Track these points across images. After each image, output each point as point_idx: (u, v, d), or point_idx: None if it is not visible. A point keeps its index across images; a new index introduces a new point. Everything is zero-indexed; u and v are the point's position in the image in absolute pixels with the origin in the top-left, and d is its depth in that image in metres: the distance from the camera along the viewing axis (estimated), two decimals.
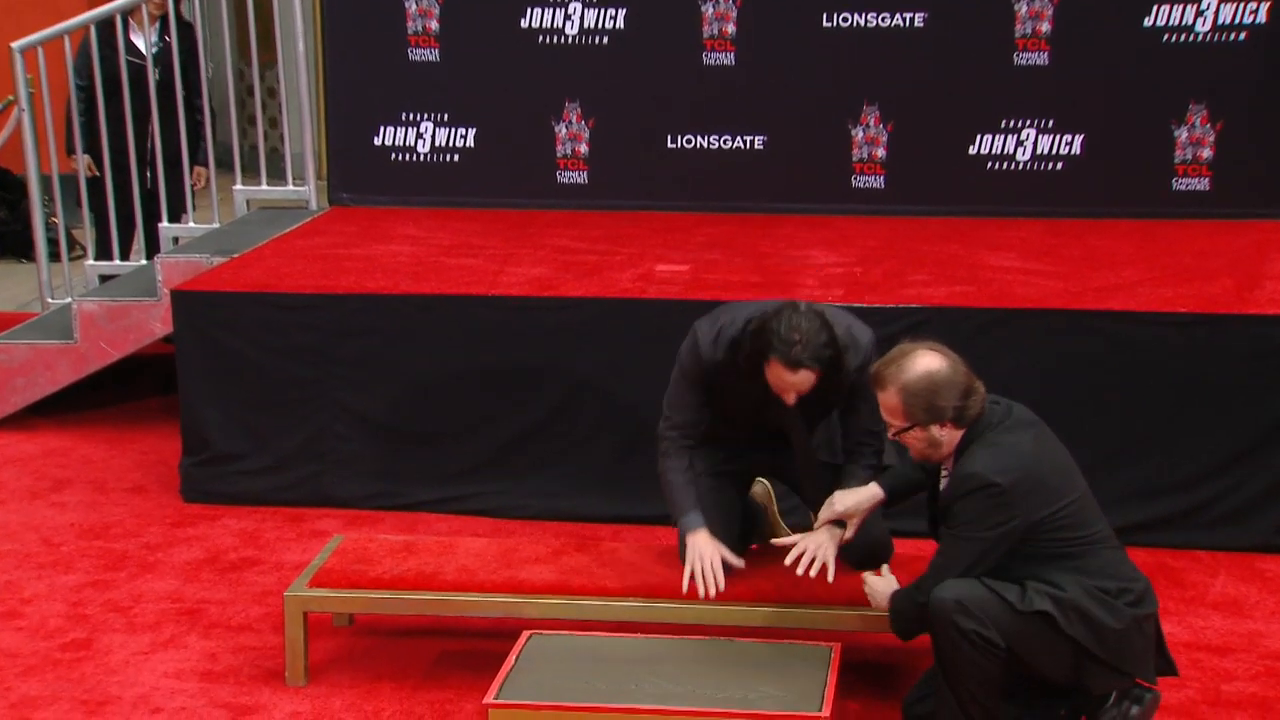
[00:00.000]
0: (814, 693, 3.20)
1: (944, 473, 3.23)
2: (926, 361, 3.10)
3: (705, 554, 3.41)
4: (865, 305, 4.58)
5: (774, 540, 3.47)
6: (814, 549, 3.38)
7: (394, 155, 5.99)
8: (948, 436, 3.11)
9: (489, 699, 3.23)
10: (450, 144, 5.96)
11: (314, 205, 6.06)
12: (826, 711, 3.12)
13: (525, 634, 3.50)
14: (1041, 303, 4.62)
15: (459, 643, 3.91)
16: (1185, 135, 5.62)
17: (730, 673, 3.31)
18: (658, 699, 3.20)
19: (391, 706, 3.58)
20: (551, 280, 4.96)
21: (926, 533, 3.34)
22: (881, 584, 3.32)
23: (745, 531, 3.65)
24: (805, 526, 3.65)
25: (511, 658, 3.39)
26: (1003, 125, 5.68)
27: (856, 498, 3.40)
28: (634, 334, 4.75)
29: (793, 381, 3.26)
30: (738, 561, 3.46)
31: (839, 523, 3.43)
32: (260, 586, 4.29)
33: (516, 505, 4.83)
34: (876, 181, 5.76)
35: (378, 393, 4.89)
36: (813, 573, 3.36)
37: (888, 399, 3.12)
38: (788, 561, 3.36)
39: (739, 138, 5.80)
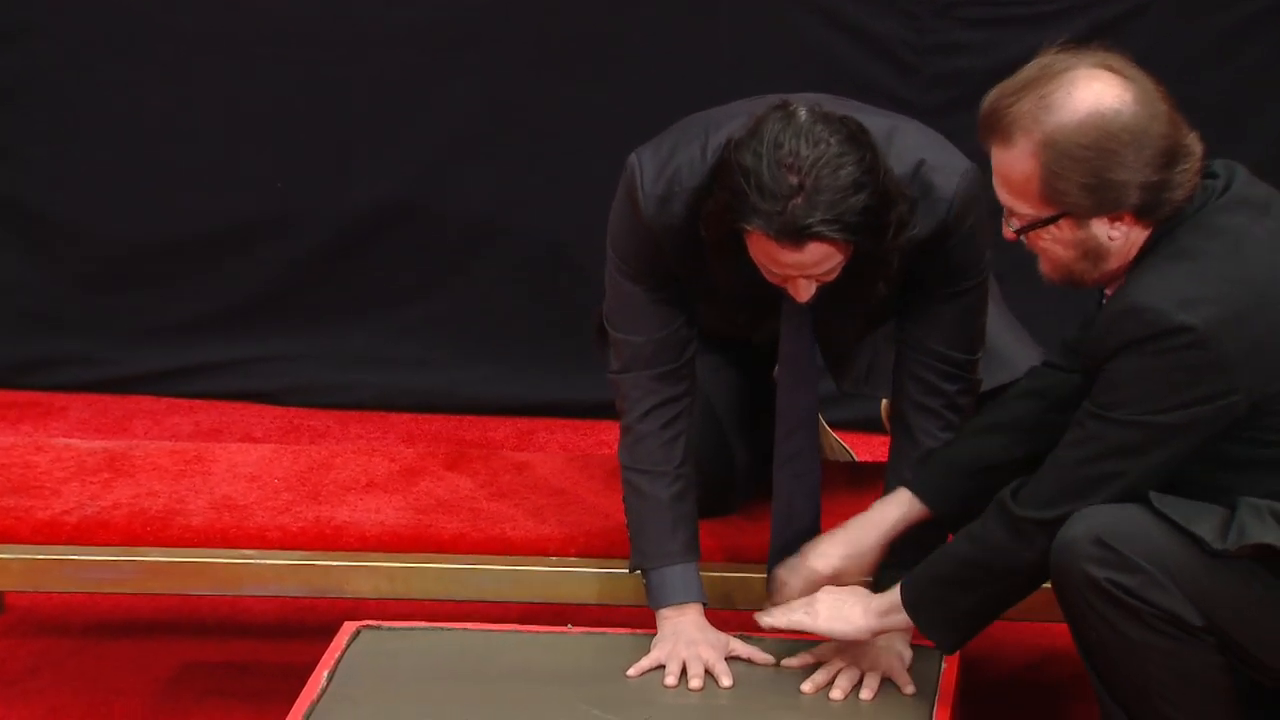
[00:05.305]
0: None
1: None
2: (1096, 91, 3.10)
3: (699, 655, 3.51)
4: None
5: (758, 617, 3.54)
6: (848, 672, 3.48)
7: None
8: (1121, 240, 3.16)
9: None
10: None
11: None
12: None
13: (348, 628, 3.64)
14: None
15: (217, 647, 4.07)
16: None
17: (745, 698, 3.47)
18: None
19: None
20: None
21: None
22: (834, 600, 3.43)
23: (760, 418, 3.78)
24: (875, 419, 3.76)
25: (321, 674, 3.51)
26: None
27: (858, 538, 3.50)
28: (554, 43, 4.83)
29: (794, 262, 3.28)
30: (758, 654, 3.57)
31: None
32: None
33: (329, 383, 4.98)
34: None
35: (34, 148, 4.99)
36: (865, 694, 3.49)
37: (1013, 162, 3.13)
38: (805, 689, 3.50)
39: None
